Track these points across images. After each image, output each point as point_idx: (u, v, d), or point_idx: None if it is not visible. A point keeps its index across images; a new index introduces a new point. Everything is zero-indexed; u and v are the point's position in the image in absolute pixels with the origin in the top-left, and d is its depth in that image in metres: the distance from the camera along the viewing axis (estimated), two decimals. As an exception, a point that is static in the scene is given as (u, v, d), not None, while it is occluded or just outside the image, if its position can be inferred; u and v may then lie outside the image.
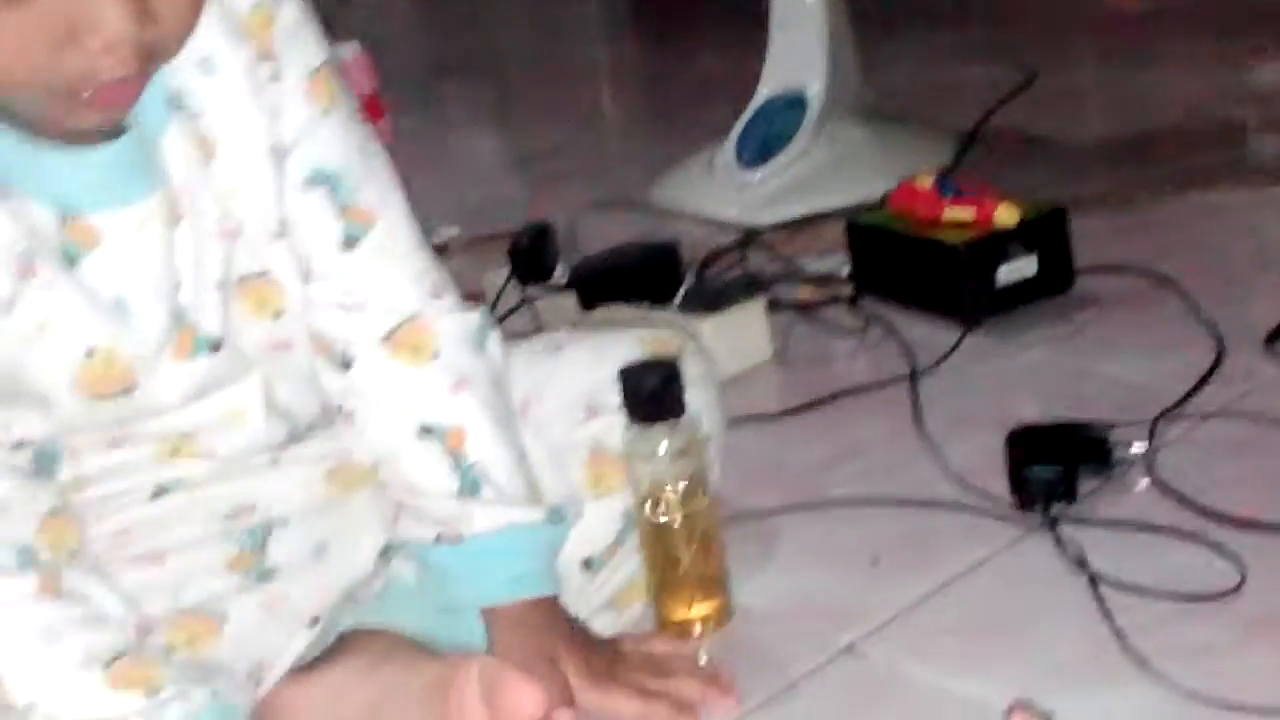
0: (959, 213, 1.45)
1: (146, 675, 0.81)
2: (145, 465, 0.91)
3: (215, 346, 0.90)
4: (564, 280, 1.52)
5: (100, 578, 0.84)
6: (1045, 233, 1.45)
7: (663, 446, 1.02)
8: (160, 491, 0.91)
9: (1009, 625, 1.01)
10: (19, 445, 0.86)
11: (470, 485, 0.95)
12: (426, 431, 0.95)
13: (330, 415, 0.97)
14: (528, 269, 1.54)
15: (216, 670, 0.84)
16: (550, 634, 0.95)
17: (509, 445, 0.97)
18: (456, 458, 0.95)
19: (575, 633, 0.97)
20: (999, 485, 1.15)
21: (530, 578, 0.96)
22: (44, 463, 0.86)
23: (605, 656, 0.97)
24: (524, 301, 1.52)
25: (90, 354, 0.86)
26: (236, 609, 0.87)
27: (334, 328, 0.94)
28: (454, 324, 0.97)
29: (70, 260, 0.84)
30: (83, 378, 0.86)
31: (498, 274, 1.55)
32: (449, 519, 0.95)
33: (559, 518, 0.98)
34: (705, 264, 1.61)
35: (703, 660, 1.00)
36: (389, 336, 0.95)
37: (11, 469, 0.84)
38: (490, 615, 0.96)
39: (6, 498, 0.82)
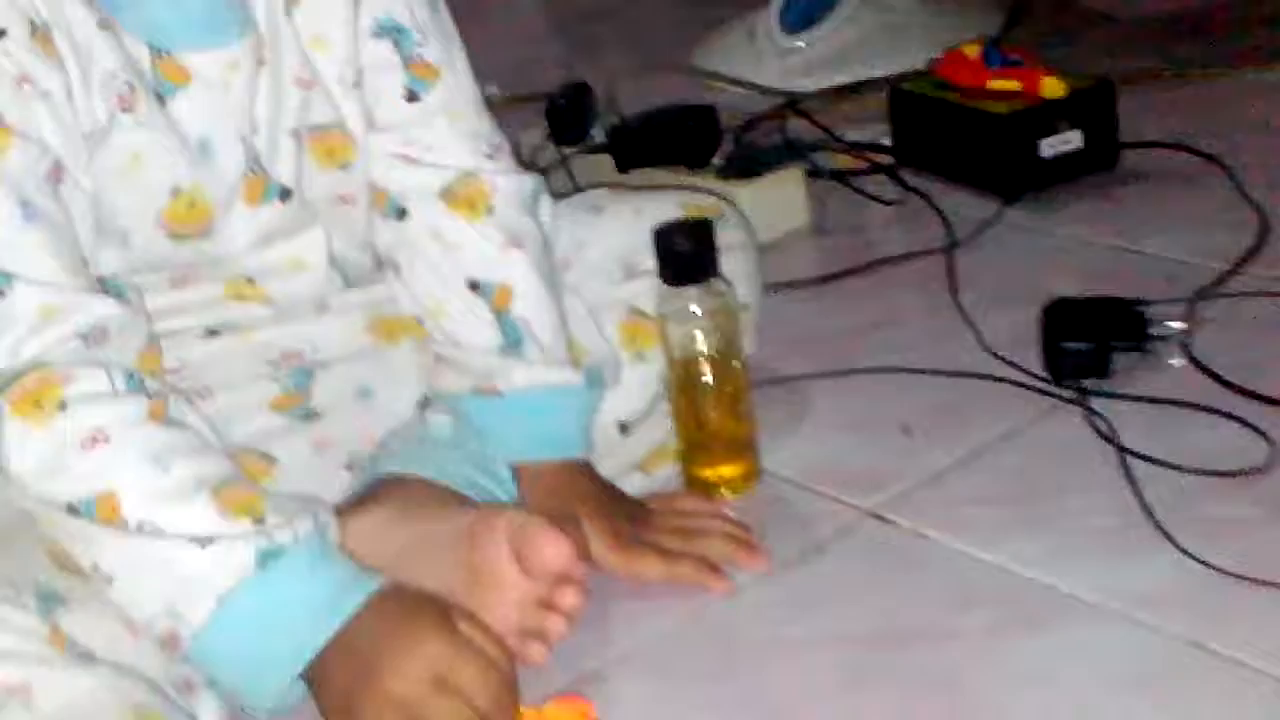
0: (1005, 83, 1.43)
1: (252, 502, 0.82)
2: (205, 306, 0.93)
3: (285, 195, 0.92)
4: (601, 141, 1.51)
5: (192, 409, 0.86)
6: (1091, 106, 1.43)
7: (695, 308, 1.02)
8: (213, 332, 0.93)
9: (1037, 496, 1.01)
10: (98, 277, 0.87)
11: (513, 342, 0.96)
12: (474, 286, 0.96)
13: (378, 268, 0.98)
14: (565, 129, 1.53)
15: (309, 500, 0.86)
16: (576, 497, 0.96)
17: (553, 308, 0.98)
18: (501, 314, 0.96)
19: (604, 497, 0.98)
20: (1032, 359, 1.14)
21: (562, 439, 0.97)
22: (111, 295, 0.87)
23: (632, 521, 0.97)
24: (560, 162, 1.51)
25: (175, 193, 0.88)
26: (285, 449, 0.88)
27: (392, 179, 0.96)
28: (509, 184, 0.98)
29: (161, 97, 0.86)
30: (165, 216, 0.88)
31: (535, 134, 1.54)
32: (488, 373, 0.96)
33: (597, 381, 0.98)
34: (744, 130, 1.59)
35: (729, 518, 1.00)
36: (445, 191, 0.96)
37: (115, 295, 0.85)
38: (519, 472, 0.97)
39: (114, 322, 0.83)
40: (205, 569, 0.79)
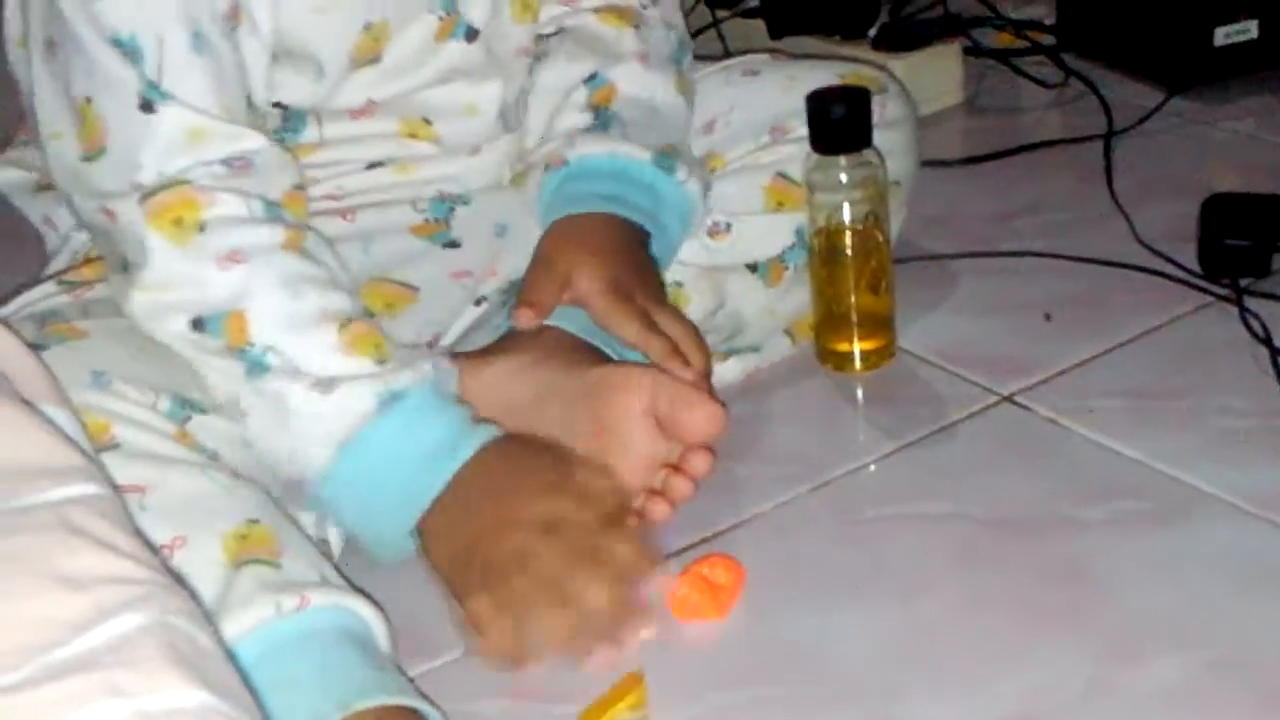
0: (1182, -34, 1.37)
1: (376, 343, 0.83)
2: (378, 140, 0.94)
3: (471, 35, 0.93)
4: (754, 5, 1.48)
5: (329, 248, 0.87)
6: (1272, -4, 1.37)
7: (844, 177, 1.00)
8: (374, 165, 0.95)
9: (1181, 392, 0.99)
10: (277, 105, 0.89)
11: (600, 125, 0.97)
12: (590, 79, 0.98)
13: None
14: (719, -9, 1.50)
15: (433, 351, 0.88)
16: (595, 239, 0.94)
17: (652, 116, 0.98)
18: (598, 108, 0.97)
19: (623, 253, 0.94)
20: (1187, 254, 1.11)
21: (620, 201, 0.95)
22: (293, 123, 0.89)
23: (641, 286, 0.94)
24: (712, 24, 1.48)
25: (368, 27, 0.89)
26: (422, 274, 0.89)
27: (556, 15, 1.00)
28: (659, 27, 1.00)
29: None
30: (355, 48, 0.89)
31: (689, -6, 1.52)
32: (559, 149, 0.97)
33: (668, 163, 0.97)
34: (902, 1, 1.55)
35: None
36: (601, 6, 1.00)
37: (267, 132, 0.86)
38: (566, 221, 0.95)
39: (261, 156, 0.84)
40: (328, 416, 0.80)
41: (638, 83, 0.99)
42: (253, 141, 0.84)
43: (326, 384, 0.80)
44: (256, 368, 0.81)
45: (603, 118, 0.97)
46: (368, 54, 0.90)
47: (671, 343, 0.91)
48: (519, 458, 0.83)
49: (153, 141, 0.81)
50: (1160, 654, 0.79)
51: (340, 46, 0.89)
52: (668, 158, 0.97)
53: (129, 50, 0.81)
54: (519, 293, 0.94)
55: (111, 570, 0.50)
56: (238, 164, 0.83)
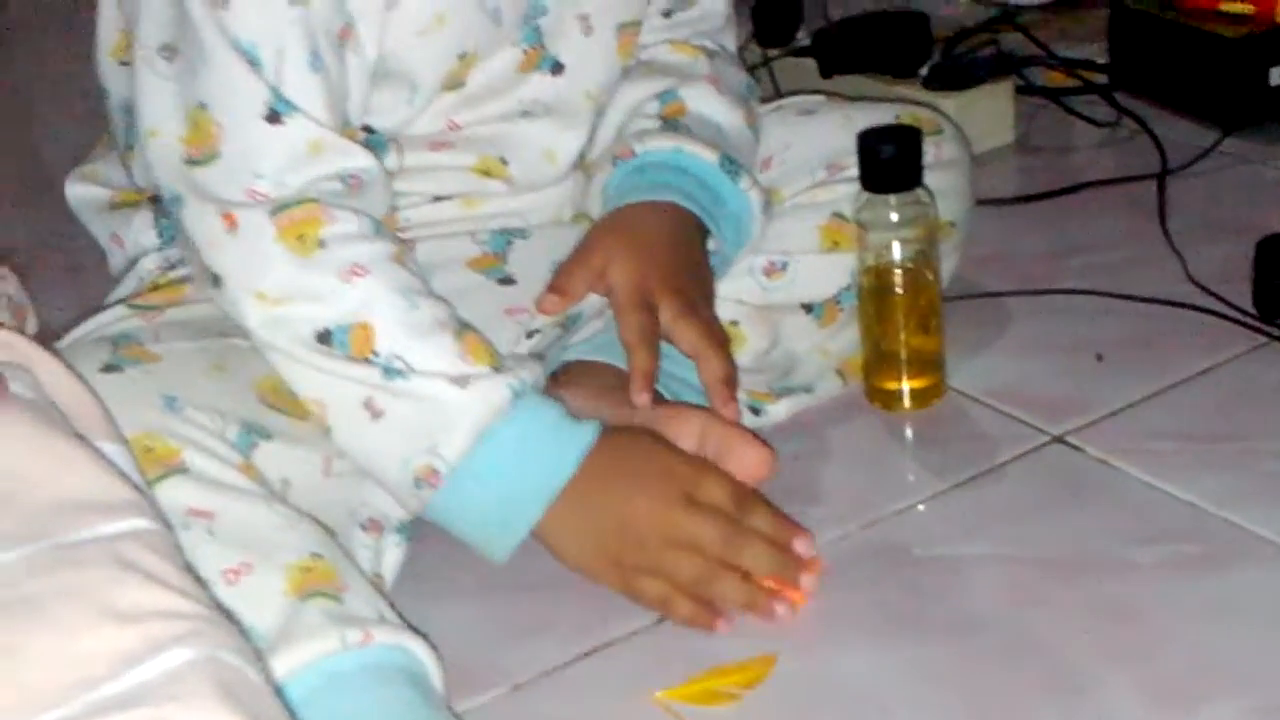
0: (1237, 6, 1.36)
1: (488, 348, 0.86)
2: (452, 173, 0.96)
3: (557, 70, 0.95)
4: (805, 44, 1.48)
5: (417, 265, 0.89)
6: (1328, 36, 1.36)
7: (894, 216, 1.00)
8: (440, 198, 0.96)
9: (1234, 434, 0.98)
10: (365, 129, 0.91)
11: (669, 128, 0.98)
12: (662, 94, 1.00)
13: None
14: (769, 30, 1.50)
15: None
16: (663, 252, 0.94)
17: (719, 135, 0.99)
18: (666, 120, 0.99)
19: (688, 269, 0.95)
20: (1241, 295, 1.10)
21: (681, 192, 0.96)
22: (374, 149, 0.91)
23: (699, 286, 0.95)
24: (763, 63, 1.49)
25: (462, 56, 0.91)
26: (477, 313, 0.90)
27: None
28: (732, 63, 1.04)
29: None
30: (449, 73, 0.91)
31: (740, 33, 1.52)
32: (630, 141, 0.98)
33: (733, 169, 0.98)
34: (954, 40, 1.55)
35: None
36: (678, 40, 1.03)
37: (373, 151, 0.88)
38: (622, 211, 0.96)
39: (370, 175, 0.86)
40: (466, 405, 0.82)
41: (708, 104, 1.00)
42: (365, 159, 0.86)
43: (462, 380, 0.83)
44: (391, 371, 0.83)
45: (671, 125, 0.99)
46: (456, 78, 0.92)
47: (653, 364, 0.91)
48: (629, 444, 0.86)
49: (275, 152, 0.83)
50: (1211, 699, 0.78)
51: (436, 70, 0.91)
52: (733, 163, 0.98)
53: (250, 60, 0.83)
54: (552, 279, 0.95)
55: (161, 605, 0.50)
56: (352, 181, 0.85)
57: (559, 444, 0.84)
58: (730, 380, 0.92)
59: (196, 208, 0.85)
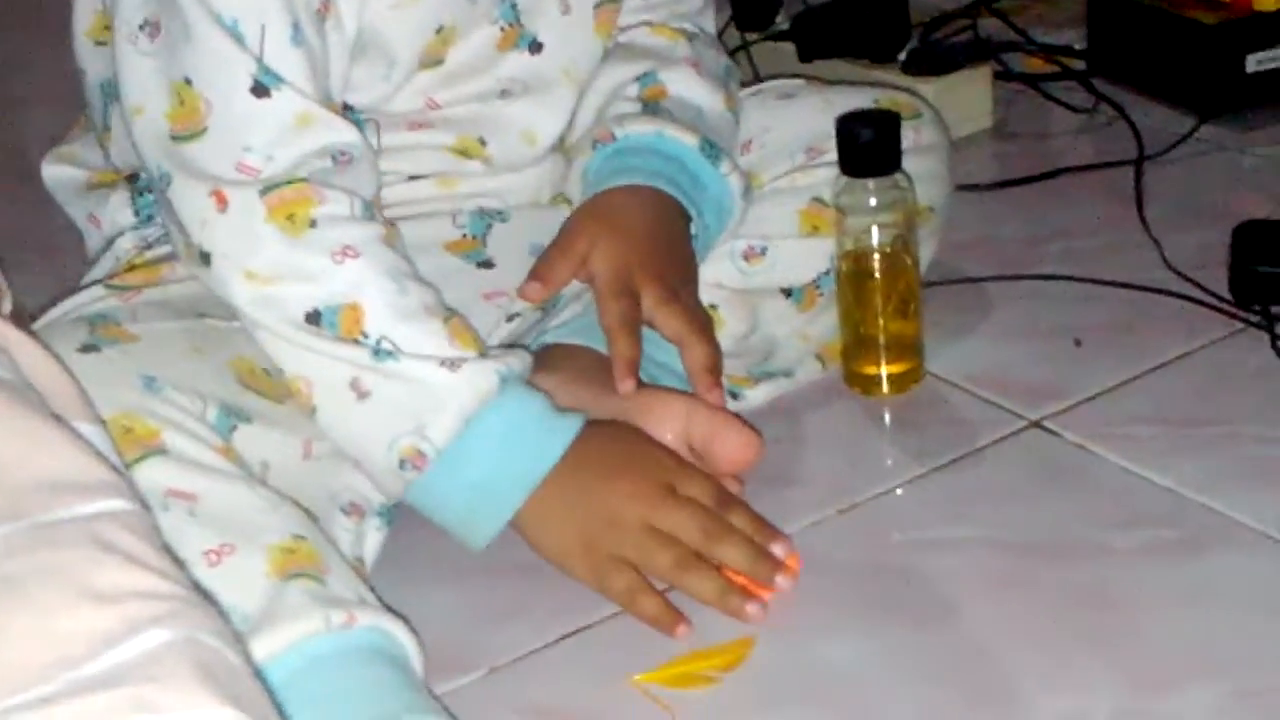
0: (1214, -8, 1.37)
1: (474, 335, 0.85)
2: (430, 153, 0.95)
3: (535, 48, 0.95)
4: (784, 28, 1.48)
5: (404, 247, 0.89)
6: (1304, 23, 1.36)
7: (872, 201, 1.00)
8: (416, 177, 0.96)
9: (1211, 419, 0.98)
10: (344, 107, 0.90)
11: (649, 112, 0.98)
12: (642, 77, 0.99)
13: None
14: (748, 14, 1.50)
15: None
16: (646, 237, 0.94)
17: (699, 119, 0.99)
18: (647, 102, 0.98)
19: (671, 254, 0.95)
20: (1217, 280, 1.10)
21: (663, 177, 0.96)
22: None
23: (680, 275, 0.95)
24: (741, 47, 1.48)
25: (439, 30, 0.91)
26: (454, 292, 0.90)
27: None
28: (711, 47, 1.04)
29: None
30: (426, 48, 0.91)
31: (719, 17, 1.52)
32: (609, 125, 0.97)
33: (713, 153, 0.98)
34: (933, 25, 1.55)
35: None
36: (657, 23, 1.02)
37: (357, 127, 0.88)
38: (603, 196, 0.96)
39: (358, 150, 0.86)
40: (455, 388, 0.82)
41: (689, 87, 1.00)
42: (352, 133, 0.86)
43: (451, 363, 0.83)
44: (380, 353, 0.82)
45: (651, 108, 0.98)
46: (434, 55, 0.92)
47: (635, 351, 0.91)
48: (611, 437, 0.86)
49: (264, 124, 0.83)
50: (1189, 683, 0.78)
51: (413, 45, 0.91)
52: (713, 148, 0.98)
53: (234, 35, 0.82)
54: (533, 267, 0.95)
55: (139, 586, 0.50)
56: (342, 159, 0.85)
57: (544, 433, 0.84)
58: (715, 367, 0.92)
59: (185, 186, 0.84)
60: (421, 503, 0.85)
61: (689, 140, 0.97)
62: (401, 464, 0.83)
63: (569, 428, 0.85)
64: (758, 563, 0.85)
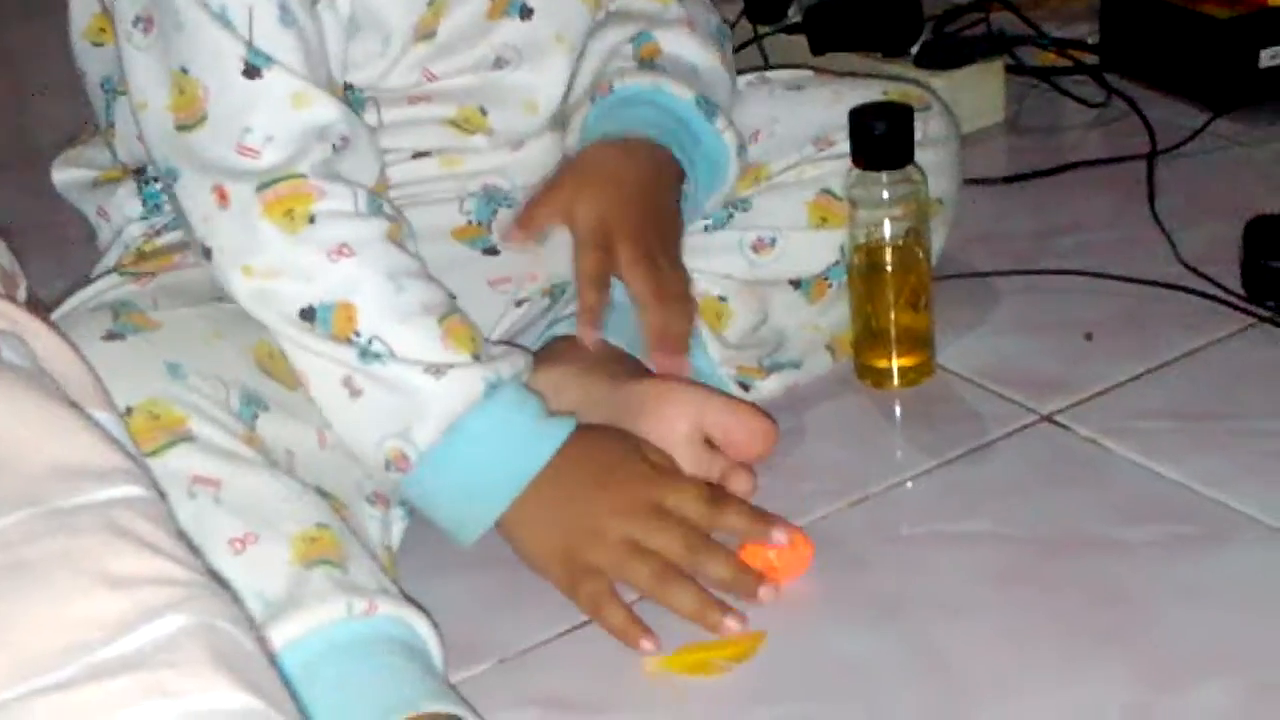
0: (1227, -14, 1.37)
1: (471, 336, 0.85)
2: (431, 126, 0.95)
3: (526, 14, 0.95)
4: (796, 21, 1.48)
5: (413, 238, 0.89)
6: (1319, 18, 1.36)
7: (885, 194, 1.00)
8: (421, 154, 0.96)
9: (1222, 414, 0.98)
10: (346, 86, 0.91)
11: (646, 67, 0.98)
12: (636, 37, 0.99)
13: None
14: (760, 6, 1.50)
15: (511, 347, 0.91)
16: (631, 191, 0.94)
17: (694, 77, 0.99)
18: (643, 60, 0.98)
19: (657, 210, 0.95)
20: (1229, 275, 1.10)
21: (657, 126, 0.96)
22: (353, 107, 0.90)
23: (660, 235, 0.95)
24: (754, 39, 1.48)
25: (431, 3, 0.91)
26: (461, 284, 0.90)
27: None
28: (703, 8, 1.03)
29: None
30: (420, 20, 0.91)
31: (731, 9, 1.52)
32: (609, 77, 0.97)
33: (710, 109, 0.98)
34: (945, 19, 1.54)
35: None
36: None
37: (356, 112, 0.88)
38: (596, 147, 0.96)
39: (357, 133, 0.86)
40: (439, 395, 0.82)
41: (683, 45, 1.00)
42: (348, 113, 0.85)
43: (437, 369, 0.83)
44: (369, 354, 0.83)
45: (648, 65, 0.99)
46: (427, 27, 0.92)
47: (599, 303, 0.91)
48: (601, 446, 0.86)
49: (258, 105, 0.83)
50: (1201, 678, 0.78)
51: (407, 18, 0.91)
52: (709, 104, 0.98)
53: (222, 20, 0.82)
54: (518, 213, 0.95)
55: (155, 571, 0.50)
56: (341, 144, 0.85)
57: (531, 438, 0.84)
58: (667, 334, 0.92)
59: (190, 182, 0.84)
60: (410, 499, 0.86)
61: (685, 94, 0.97)
62: (387, 464, 0.84)
63: (556, 434, 0.85)
64: (739, 578, 0.85)
